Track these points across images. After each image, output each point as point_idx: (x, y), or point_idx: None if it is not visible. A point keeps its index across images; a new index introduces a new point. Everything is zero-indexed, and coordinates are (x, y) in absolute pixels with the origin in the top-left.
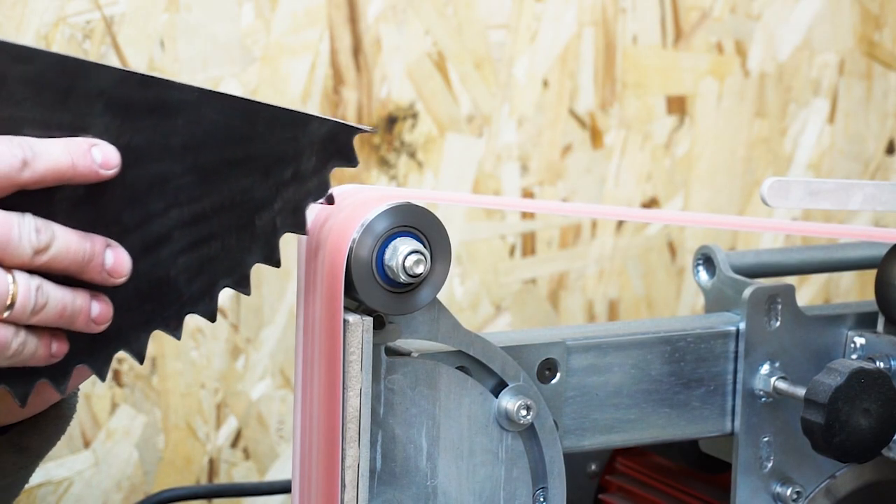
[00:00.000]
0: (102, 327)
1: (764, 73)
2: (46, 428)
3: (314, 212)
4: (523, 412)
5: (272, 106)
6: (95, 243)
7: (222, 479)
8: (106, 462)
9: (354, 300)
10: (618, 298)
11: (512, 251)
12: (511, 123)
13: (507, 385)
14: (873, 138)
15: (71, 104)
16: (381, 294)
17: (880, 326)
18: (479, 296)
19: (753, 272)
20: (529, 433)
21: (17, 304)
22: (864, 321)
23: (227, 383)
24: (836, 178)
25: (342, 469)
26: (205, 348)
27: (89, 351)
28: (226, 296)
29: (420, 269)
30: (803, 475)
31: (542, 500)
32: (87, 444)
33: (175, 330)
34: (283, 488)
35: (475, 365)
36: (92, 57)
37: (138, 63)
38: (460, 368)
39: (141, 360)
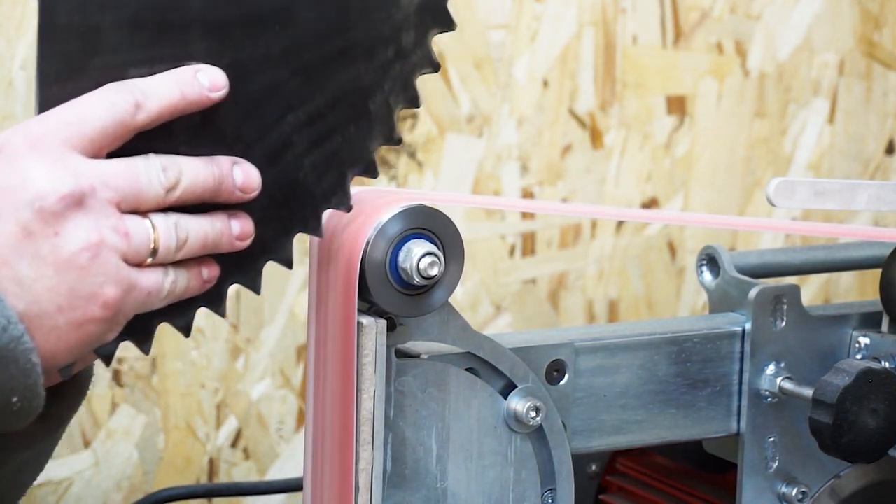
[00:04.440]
0: (246, 243)
1: (764, 73)
2: (67, 394)
3: (326, 216)
4: (532, 414)
5: None
6: (222, 165)
7: (222, 479)
8: (106, 462)
9: (366, 302)
10: (618, 298)
11: (512, 251)
12: (511, 123)
13: (516, 386)
14: (873, 138)
15: (168, 38)
16: (395, 296)
17: (884, 326)
18: (479, 296)
19: (757, 272)
20: (538, 435)
21: (160, 247)
22: (868, 321)
23: (227, 383)
24: (836, 178)
25: (356, 472)
26: (205, 348)
27: (239, 268)
28: None
29: (434, 271)
30: (808, 475)
31: (550, 501)
32: (87, 444)
33: (316, 229)
34: (283, 488)
35: (484, 366)
36: None
37: None
38: (469, 370)
39: (290, 266)
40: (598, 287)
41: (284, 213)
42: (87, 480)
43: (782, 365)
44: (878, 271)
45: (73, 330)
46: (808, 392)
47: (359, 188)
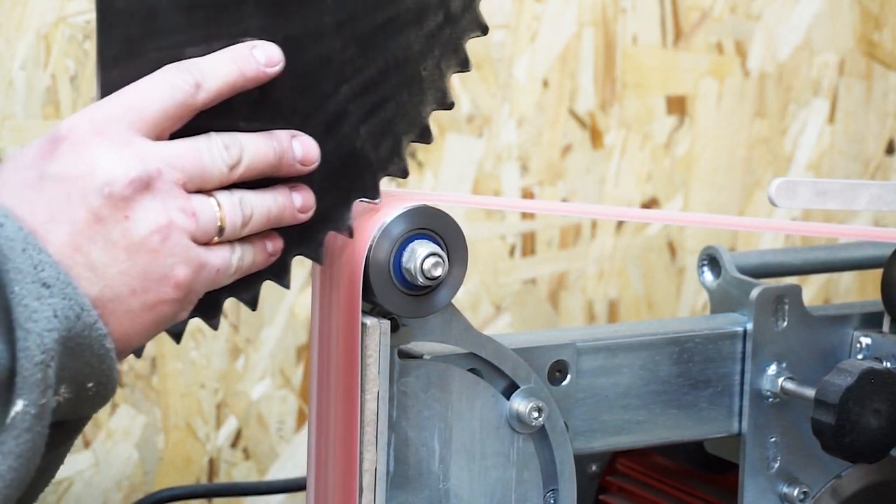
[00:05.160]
0: (308, 214)
1: (764, 73)
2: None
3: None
4: (535, 414)
5: None
6: (281, 139)
7: (222, 479)
8: (106, 462)
9: (369, 303)
10: (618, 298)
11: (512, 251)
12: (511, 123)
13: (518, 387)
14: (873, 138)
15: (223, 16)
16: (399, 297)
17: (886, 326)
18: (478, 296)
19: (758, 272)
20: (540, 435)
21: (226, 224)
22: (870, 321)
23: (227, 383)
24: (836, 178)
25: (360, 473)
26: (205, 348)
27: (302, 239)
28: None
29: (438, 272)
30: (809, 475)
31: (552, 502)
32: (87, 444)
33: (374, 195)
34: (283, 488)
35: (486, 367)
36: (91, 57)
37: None
38: (471, 371)
39: (350, 234)
40: (598, 287)
41: (343, 182)
42: (87, 480)
43: (784, 365)
44: (878, 271)
45: (146, 312)
46: (809, 392)
47: None
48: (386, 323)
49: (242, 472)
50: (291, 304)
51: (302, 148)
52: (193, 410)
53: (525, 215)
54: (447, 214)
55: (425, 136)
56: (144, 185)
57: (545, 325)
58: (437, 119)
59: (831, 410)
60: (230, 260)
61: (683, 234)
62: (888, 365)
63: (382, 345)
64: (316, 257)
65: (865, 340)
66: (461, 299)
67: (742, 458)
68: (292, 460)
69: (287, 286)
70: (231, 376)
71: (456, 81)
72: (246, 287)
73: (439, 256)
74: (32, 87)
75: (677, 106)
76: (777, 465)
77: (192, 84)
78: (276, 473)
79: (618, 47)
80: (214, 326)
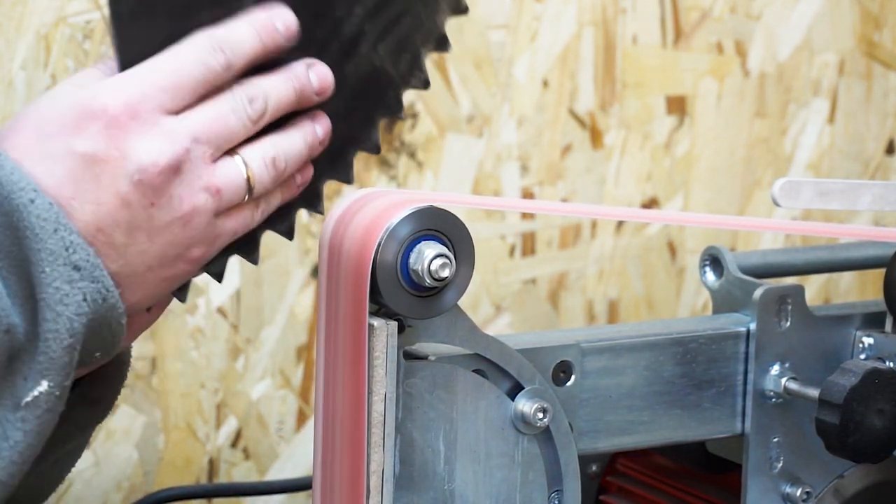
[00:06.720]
0: (327, 142)
1: (764, 73)
2: (112, 377)
3: (334, 218)
4: (540, 415)
5: None
6: (299, 74)
7: (222, 479)
8: (106, 462)
9: (375, 304)
10: (618, 299)
11: (512, 251)
12: (511, 123)
13: (523, 388)
14: (873, 138)
15: None
16: (406, 298)
17: (888, 326)
18: (478, 296)
19: (760, 272)
20: (545, 436)
21: (255, 185)
22: (872, 321)
23: (227, 383)
24: (836, 178)
25: (367, 474)
26: (205, 348)
27: (331, 164)
28: (225, 295)
29: (446, 273)
30: (812, 475)
31: (556, 502)
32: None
33: (398, 111)
34: (283, 488)
35: (491, 368)
36: (92, 57)
37: None
38: (476, 372)
39: (378, 151)
40: (598, 287)
41: (367, 101)
42: (86, 480)
43: (787, 365)
44: (879, 271)
45: (159, 283)
46: (813, 392)
47: (364, 190)
48: (393, 324)
49: (242, 473)
50: (291, 304)
51: (318, 79)
52: (193, 410)
53: (525, 215)
54: (454, 215)
55: (443, 45)
56: (174, 172)
57: (545, 326)
58: (436, 119)
59: (836, 410)
60: (252, 216)
61: (683, 234)
62: (891, 365)
63: (390, 346)
64: (347, 179)
65: (868, 340)
66: (461, 299)
67: (745, 458)
68: (292, 460)
69: (321, 212)
70: (231, 376)
71: (456, 81)
72: (280, 219)
73: (447, 257)
74: (32, 87)
75: (677, 106)
76: (780, 466)
77: (223, 65)
78: (276, 473)
79: (618, 47)
80: (255, 261)
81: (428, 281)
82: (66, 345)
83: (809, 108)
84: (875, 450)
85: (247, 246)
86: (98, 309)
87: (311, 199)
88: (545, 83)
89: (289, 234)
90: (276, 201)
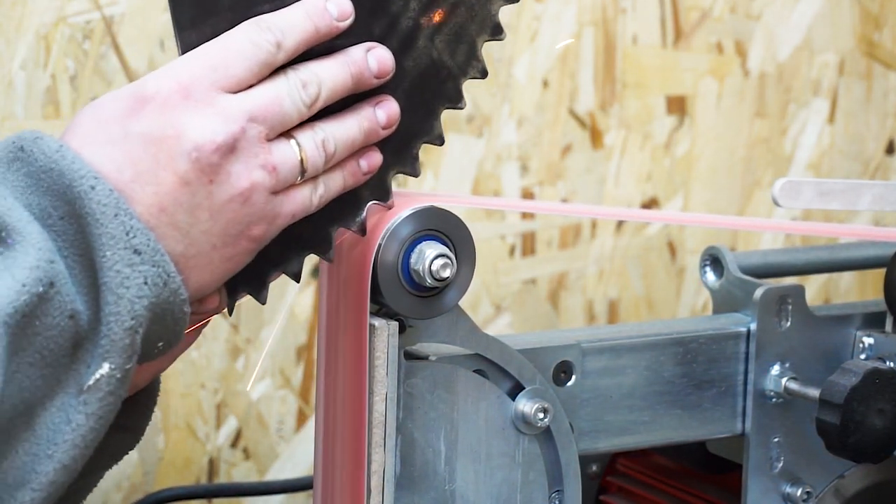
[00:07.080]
0: (394, 126)
1: (764, 73)
2: (144, 405)
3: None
4: (540, 415)
5: None
6: (356, 58)
7: (222, 479)
8: None
9: (376, 304)
10: (618, 298)
11: (512, 251)
12: (511, 123)
13: (524, 388)
14: (873, 138)
15: None
16: (407, 298)
17: (888, 326)
18: (478, 296)
19: (760, 272)
20: (545, 436)
21: (308, 167)
22: (872, 321)
23: (227, 383)
24: (836, 178)
25: (368, 474)
26: (205, 348)
27: (397, 157)
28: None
29: (447, 273)
30: (812, 475)
31: (557, 502)
32: None
33: (459, 100)
34: (283, 488)
35: (492, 368)
36: (91, 57)
37: (138, 63)
38: (477, 372)
39: (442, 142)
40: (598, 287)
41: (427, 94)
42: None
43: (787, 365)
44: (879, 271)
45: (223, 263)
46: (813, 392)
47: None
48: (394, 324)
49: (242, 472)
50: (291, 304)
51: (377, 61)
52: (193, 410)
53: (525, 215)
54: (455, 215)
55: (497, 33)
56: (230, 149)
57: (545, 326)
58: None
59: (836, 410)
60: (310, 199)
61: (683, 234)
62: (891, 365)
63: (391, 346)
64: (413, 172)
65: (868, 340)
66: (461, 300)
67: (745, 458)
68: (292, 460)
69: (390, 206)
70: (231, 376)
71: None
72: (351, 212)
73: (447, 257)
74: (32, 87)
75: (677, 106)
76: (780, 466)
77: (273, 43)
78: (275, 473)
79: (618, 47)
80: (330, 259)
81: (429, 281)
82: (126, 326)
83: (809, 108)
84: (875, 450)
85: (323, 244)
86: (160, 293)
87: (380, 191)
88: (545, 83)
89: (361, 230)
90: (335, 186)
